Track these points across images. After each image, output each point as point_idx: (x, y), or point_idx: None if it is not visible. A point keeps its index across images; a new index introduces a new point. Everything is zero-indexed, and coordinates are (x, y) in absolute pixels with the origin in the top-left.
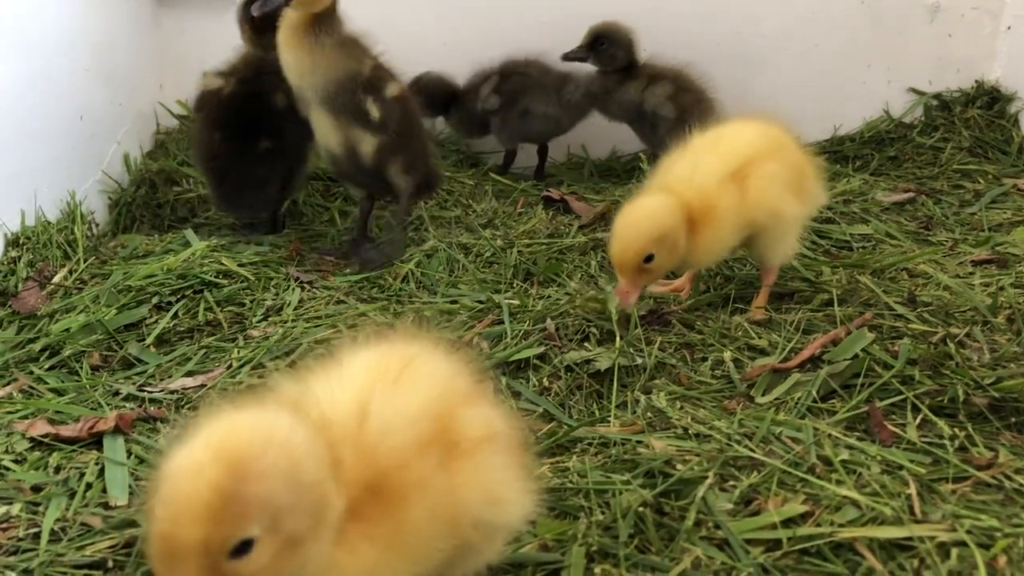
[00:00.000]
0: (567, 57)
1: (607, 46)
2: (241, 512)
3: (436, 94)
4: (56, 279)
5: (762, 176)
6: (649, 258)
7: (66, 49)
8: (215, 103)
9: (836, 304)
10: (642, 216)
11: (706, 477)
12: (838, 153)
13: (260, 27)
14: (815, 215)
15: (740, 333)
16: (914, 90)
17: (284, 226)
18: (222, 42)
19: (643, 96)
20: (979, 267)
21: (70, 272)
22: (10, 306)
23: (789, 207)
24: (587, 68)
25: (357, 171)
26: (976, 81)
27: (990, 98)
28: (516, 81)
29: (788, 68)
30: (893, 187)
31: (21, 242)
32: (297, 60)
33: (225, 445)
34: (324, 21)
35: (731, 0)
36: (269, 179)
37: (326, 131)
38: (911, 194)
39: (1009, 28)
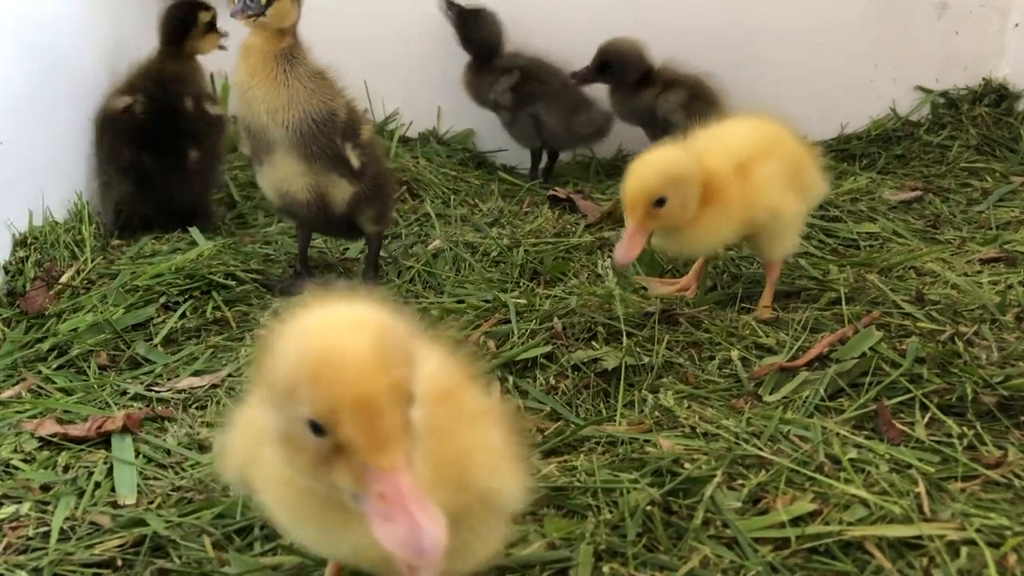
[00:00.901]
0: (575, 78)
1: (615, 67)
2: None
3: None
4: (64, 279)
5: (760, 176)
6: (660, 201)
7: (74, 49)
8: (126, 121)
9: (844, 302)
10: (662, 157)
11: (714, 476)
12: (845, 151)
13: (179, 34)
14: (822, 212)
15: (747, 332)
16: (921, 88)
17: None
18: (227, 41)
19: (656, 102)
20: (987, 265)
21: (78, 272)
22: (18, 306)
23: (788, 205)
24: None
25: (323, 219)
26: (983, 79)
27: (998, 96)
28: (534, 87)
29: (794, 66)
30: (900, 185)
31: (29, 242)
32: (269, 94)
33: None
34: (293, 48)
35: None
36: (206, 186)
37: (289, 176)
38: (918, 192)
39: (1017, 25)
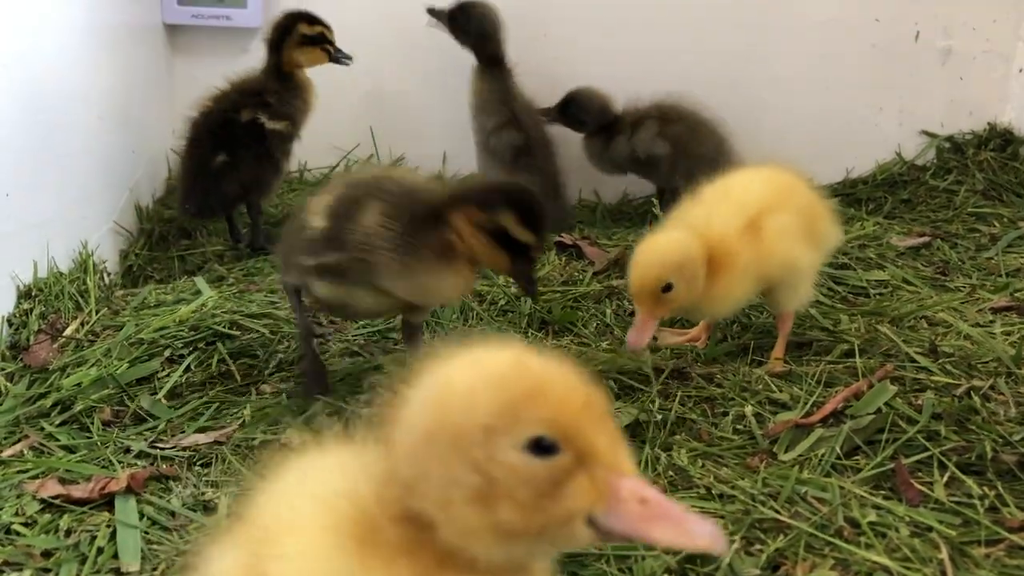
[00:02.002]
0: (546, 115)
1: (575, 111)
2: None
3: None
4: (68, 331)
5: (773, 229)
6: (668, 287)
7: (81, 97)
8: (191, 121)
9: (857, 355)
10: (663, 244)
11: (732, 541)
12: (851, 196)
13: (276, 43)
14: (831, 259)
15: (761, 386)
16: (926, 132)
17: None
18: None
19: (631, 145)
20: (999, 314)
21: (82, 324)
22: (21, 360)
23: (803, 257)
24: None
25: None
26: (989, 123)
27: (1003, 140)
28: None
29: (799, 110)
30: (907, 231)
31: (33, 294)
32: None
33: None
34: None
35: (742, 42)
36: (235, 192)
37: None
38: (926, 238)
39: (1021, 71)
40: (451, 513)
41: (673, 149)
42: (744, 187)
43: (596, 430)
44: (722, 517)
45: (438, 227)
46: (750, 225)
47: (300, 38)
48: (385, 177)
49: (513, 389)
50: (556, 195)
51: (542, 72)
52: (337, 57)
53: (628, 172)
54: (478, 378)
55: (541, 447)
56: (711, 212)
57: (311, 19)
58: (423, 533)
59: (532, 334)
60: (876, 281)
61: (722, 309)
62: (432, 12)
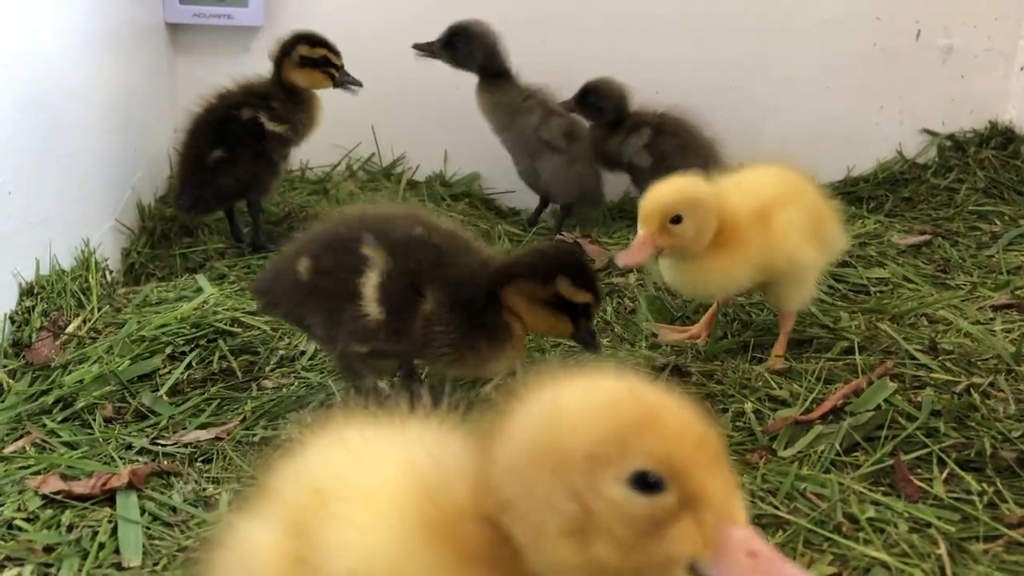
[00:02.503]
0: (565, 107)
1: (594, 100)
2: None
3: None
4: (70, 329)
5: (781, 222)
6: (677, 219)
7: (83, 96)
8: (194, 115)
9: (857, 352)
10: (685, 180)
11: None
12: (852, 194)
13: (278, 59)
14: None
15: (760, 383)
16: (927, 131)
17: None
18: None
19: (621, 148)
20: (999, 312)
21: (84, 321)
22: (24, 357)
23: (807, 254)
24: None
25: None
26: (990, 122)
27: (1004, 138)
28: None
29: (801, 110)
30: (908, 229)
31: (35, 291)
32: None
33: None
34: None
35: (743, 43)
36: (230, 187)
37: None
38: (927, 236)
39: (1022, 69)
40: (542, 541)
41: (655, 163)
42: (757, 180)
43: (708, 471)
44: None
45: (493, 310)
46: (761, 214)
47: (299, 59)
48: (430, 241)
49: (623, 418)
50: (598, 179)
51: (541, 80)
52: (343, 82)
53: (613, 169)
54: (589, 403)
55: (646, 483)
56: (725, 195)
57: (313, 40)
58: (504, 548)
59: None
60: (877, 279)
61: (715, 286)
62: (419, 47)
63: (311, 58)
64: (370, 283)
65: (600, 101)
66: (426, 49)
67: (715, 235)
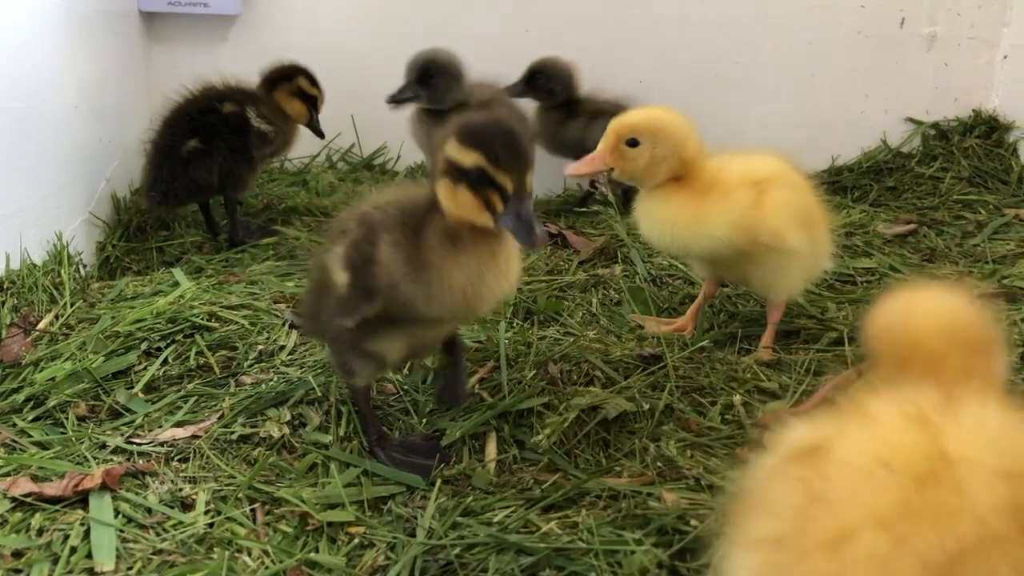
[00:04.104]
0: (510, 92)
1: (544, 81)
2: None
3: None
4: (42, 325)
5: (776, 198)
6: (633, 142)
7: (56, 87)
8: (174, 104)
9: (846, 343)
10: (657, 110)
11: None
12: (836, 183)
13: (273, 81)
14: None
15: (749, 375)
16: (912, 119)
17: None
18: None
19: (585, 134)
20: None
21: (56, 317)
22: None
23: (792, 235)
24: None
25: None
26: (974, 110)
27: (988, 127)
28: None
29: (785, 98)
30: (894, 218)
31: (6, 286)
32: None
33: None
34: None
35: (728, 31)
36: (206, 179)
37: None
38: (912, 225)
39: (1006, 57)
40: None
41: None
42: (763, 160)
43: None
44: (711, 509)
45: (432, 223)
46: (757, 183)
47: (296, 88)
48: (385, 203)
49: None
50: None
51: (524, 60)
52: (314, 125)
53: (570, 157)
54: None
55: None
56: (721, 159)
57: (314, 80)
58: None
59: (517, 324)
60: (863, 269)
61: (687, 233)
62: (395, 100)
63: (307, 94)
64: (336, 255)
65: (550, 82)
66: (402, 101)
67: (694, 181)
